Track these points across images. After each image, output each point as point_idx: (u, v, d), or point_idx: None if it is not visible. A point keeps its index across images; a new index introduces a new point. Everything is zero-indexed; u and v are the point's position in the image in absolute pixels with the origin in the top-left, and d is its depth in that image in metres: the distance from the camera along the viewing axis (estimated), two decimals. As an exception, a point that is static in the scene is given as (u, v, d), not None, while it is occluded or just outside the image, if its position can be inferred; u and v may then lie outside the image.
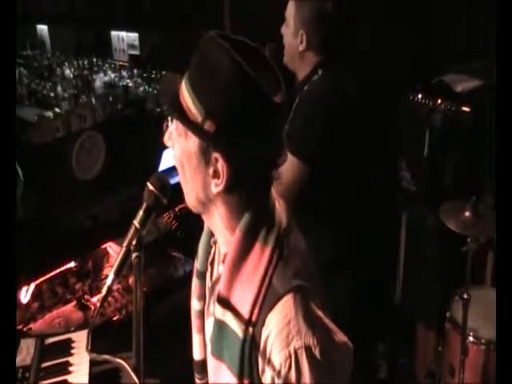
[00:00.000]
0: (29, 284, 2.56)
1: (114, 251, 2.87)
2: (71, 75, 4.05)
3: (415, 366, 3.73)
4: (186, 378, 1.91)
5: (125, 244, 1.48)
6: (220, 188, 1.43)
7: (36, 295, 2.60)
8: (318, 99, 2.83)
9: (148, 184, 1.54)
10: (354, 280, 2.97)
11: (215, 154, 1.40)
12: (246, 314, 1.44)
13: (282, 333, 1.39)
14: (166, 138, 1.53)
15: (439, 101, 3.37)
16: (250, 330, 1.43)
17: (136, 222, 1.49)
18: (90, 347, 1.45)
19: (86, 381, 2.15)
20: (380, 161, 3.68)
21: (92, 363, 2.20)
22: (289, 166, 2.75)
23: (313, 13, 2.84)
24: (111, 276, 1.46)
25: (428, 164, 3.49)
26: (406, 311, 3.77)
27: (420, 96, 3.46)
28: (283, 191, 2.69)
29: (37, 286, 2.60)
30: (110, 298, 2.64)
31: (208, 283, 1.70)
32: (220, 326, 1.51)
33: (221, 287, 1.50)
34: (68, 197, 2.78)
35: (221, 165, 1.40)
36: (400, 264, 3.78)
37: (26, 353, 2.30)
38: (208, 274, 1.71)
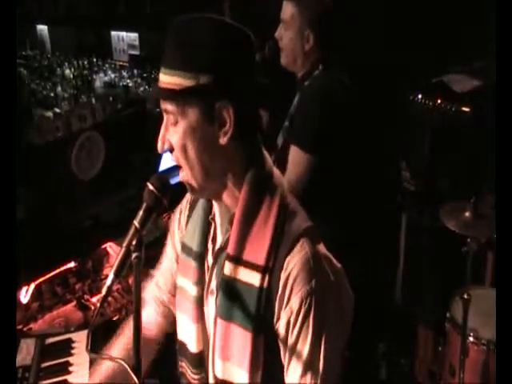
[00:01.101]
0: (29, 284, 2.55)
1: (113, 251, 2.86)
2: (71, 75, 4.06)
3: (415, 366, 3.73)
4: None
5: (125, 244, 1.47)
6: (229, 134, 1.49)
7: (36, 295, 2.60)
8: (321, 92, 2.86)
9: (148, 184, 1.54)
10: (353, 280, 2.97)
11: (218, 104, 1.47)
12: (261, 261, 1.51)
13: (302, 271, 1.47)
14: (160, 146, 1.56)
15: (439, 101, 3.38)
16: (267, 277, 1.50)
17: (136, 222, 1.49)
18: (89, 347, 1.45)
19: (86, 381, 2.14)
20: (380, 161, 3.68)
21: (92, 363, 2.20)
22: (296, 160, 2.78)
23: (318, 11, 2.85)
24: (111, 276, 1.46)
25: (428, 164, 3.49)
26: (406, 311, 3.77)
27: (420, 96, 3.46)
28: (292, 185, 2.72)
29: (37, 286, 2.60)
30: (109, 298, 2.64)
31: (209, 261, 1.70)
32: (231, 284, 1.55)
33: (231, 245, 1.55)
34: (68, 197, 2.78)
35: (226, 110, 1.48)
36: (400, 264, 3.78)
37: (26, 353, 2.30)
38: (210, 253, 1.70)
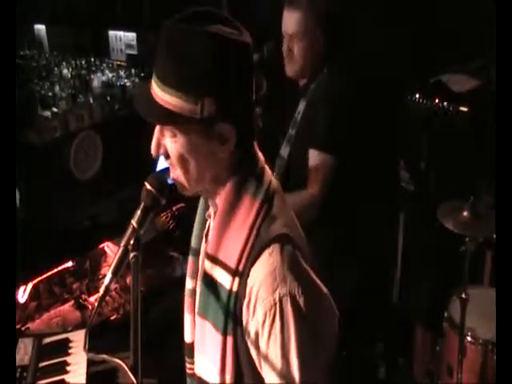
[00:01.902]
0: (26, 284, 2.55)
1: (111, 251, 2.86)
2: (69, 75, 4.05)
3: (413, 366, 3.73)
4: (183, 378, 1.91)
5: (122, 244, 1.48)
6: (229, 150, 1.48)
7: (33, 295, 2.59)
8: (332, 93, 2.86)
9: (146, 184, 1.54)
10: (352, 280, 2.97)
11: (220, 124, 1.44)
12: (233, 264, 1.47)
13: (267, 280, 1.42)
14: (154, 150, 1.53)
15: (437, 100, 3.37)
16: (237, 280, 1.46)
17: (134, 222, 1.49)
18: (87, 347, 1.45)
19: (84, 380, 2.14)
20: (378, 160, 3.67)
21: (89, 363, 2.20)
22: (319, 163, 2.77)
23: (325, 11, 2.84)
24: (109, 276, 1.46)
25: (426, 164, 3.49)
26: (405, 311, 3.78)
27: (418, 96, 3.46)
28: (320, 190, 2.73)
29: (34, 285, 2.59)
30: (107, 298, 2.63)
31: (201, 256, 1.71)
32: (207, 281, 1.54)
33: (210, 241, 1.54)
34: (66, 196, 2.79)
35: (228, 130, 1.45)
36: (398, 264, 3.78)
37: (23, 352, 2.30)
38: (202, 249, 1.71)
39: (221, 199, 1.54)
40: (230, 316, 1.49)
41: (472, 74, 3.46)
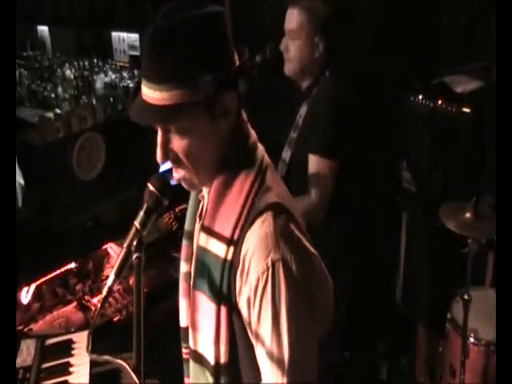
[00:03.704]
0: (29, 285, 2.56)
1: (114, 252, 2.87)
2: (72, 76, 4.04)
3: (416, 367, 3.73)
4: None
5: (125, 245, 1.48)
6: (231, 120, 1.53)
7: (36, 296, 2.60)
8: (335, 99, 2.86)
9: (148, 185, 1.54)
10: (354, 280, 2.97)
11: (221, 97, 1.47)
12: (228, 233, 1.50)
13: (260, 246, 1.44)
14: (160, 157, 1.53)
15: (440, 101, 3.37)
16: (231, 249, 1.49)
17: (136, 223, 1.50)
18: (90, 348, 1.45)
19: (87, 381, 2.15)
20: (381, 161, 3.68)
21: (92, 364, 2.20)
22: (320, 169, 2.77)
23: (326, 16, 2.84)
24: (112, 277, 1.47)
25: (428, 164, 3.49)
26: (407, 311, 3.77)
27: (420, 97, 3.45)
28: (320, 196, 2.74)
29: (37, 286, 2.60)
30: (110, 299, 2.64)
31: (195, 237, 1.71)
32: (202, 253, 1.57)
33: (205, 216, 1.57)
34: (68, 197, 2.79)
35: (230, 100, 1.49)
36: (400, 264, 3.77)
37: (26, 353, 2.30)
38: (197, 228, 1.71)
39: (217, 175, 1.56)
40: (224, 285, 1.51)
41: (474, 75, 3.46)
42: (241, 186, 1.53)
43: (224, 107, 1.49)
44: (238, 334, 1.54)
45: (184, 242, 1.79)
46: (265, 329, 1.46)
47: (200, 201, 1.71)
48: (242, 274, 1.48)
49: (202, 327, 1.60)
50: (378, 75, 3.68)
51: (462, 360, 2.91)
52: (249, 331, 1.52)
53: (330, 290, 1.64)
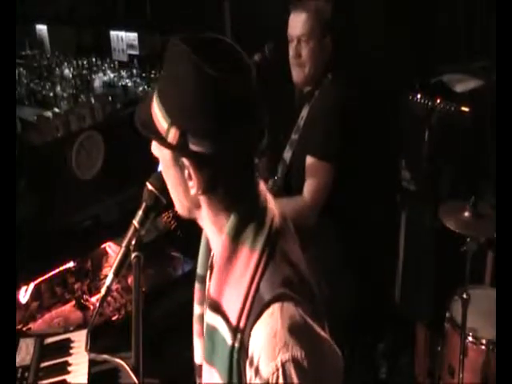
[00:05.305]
0: (28, 284, 2.55)
1: (113, 251, 2.87)
2: (70, 75, 4.05)
3: (415, 366, 3.73)
4: (184, 378, 1.91)
5: (124, 244, 1.48)
6: (195, 191, 1.38)
7: (35, 295, 2.60)
8: (337, 102, 2.84)
9: (147, 184, 1.54)
10: (353, 280, 2.97)
11: (182, 159, 1.35)
12: (234, 320, 1.40)
13: (268, 345, 1.34)
14: (153, 148, 1.47)
15: (438, 101, 3.37)
16: (239, 336, 1.39)
17: (135, 222, 1.49)
18: (89, 347, 1.45)
19: (85, 380, 2.15)
20: (380, 160, 3.68)
21: (91, 363, 2.21)
22: (318, 171, 2.76)
23: (331, 15, 2.83)
24: (110, 276, 1.46)
25: (427, 164, 3.49)
26: (406, 311, 3.77)
27: (419, 96, 3.45)
28: (315, 197, 2.73)
29: (36, 285, 2.60)
30: (109, 298, 2.64)
31: (207, 283, 1.69)
32: (211, 331, 1.47)
33: (211, 290, 1.46)
34: (67, 196, 2.79)
35: (190, 169, 1.35)
36: (399, 264, 3.78)
37: (25, 352, 2.30)
38: (208, 277, 1.68)
39: (216, 249, 1.47)
40: (234, 369, 1.42)
41: (473, 74, 3.46)
42: (244, 269, 1.40)
43: (188, 171, 1.37)
44: None
45: (197, 286, 1.71)
46: None
47: (211, 248, 1.62)
48: (251, 365, 1.39)
49: None
50: (377, 75, 3.68)
51: (460, 359, 2.91)
52: None
53: (339, 369, 1.55)
